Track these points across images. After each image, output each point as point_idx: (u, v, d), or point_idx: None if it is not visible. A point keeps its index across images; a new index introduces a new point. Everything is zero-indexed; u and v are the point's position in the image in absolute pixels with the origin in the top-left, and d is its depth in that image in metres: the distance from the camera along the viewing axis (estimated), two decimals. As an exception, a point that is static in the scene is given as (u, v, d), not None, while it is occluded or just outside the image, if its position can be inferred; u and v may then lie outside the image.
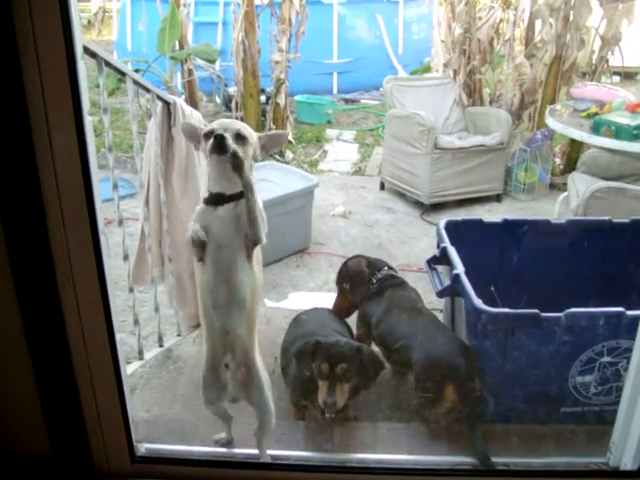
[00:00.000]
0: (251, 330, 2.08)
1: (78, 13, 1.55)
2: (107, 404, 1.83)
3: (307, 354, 2.49)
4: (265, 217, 1.96)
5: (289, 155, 7.06)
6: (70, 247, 1.61)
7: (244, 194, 1.90)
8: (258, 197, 1.94)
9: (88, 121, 1.58)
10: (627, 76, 8.02)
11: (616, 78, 7.09)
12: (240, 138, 1.88)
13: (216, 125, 1.90)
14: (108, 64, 2.68)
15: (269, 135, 2.05)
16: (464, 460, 2.36)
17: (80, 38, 1.52)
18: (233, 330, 2.04)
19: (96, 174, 1.63)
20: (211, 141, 1.84)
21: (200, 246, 1.94)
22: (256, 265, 2.03)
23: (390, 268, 3.24)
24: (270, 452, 2.27)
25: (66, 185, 1.56)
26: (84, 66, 1.58)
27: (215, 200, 1.94)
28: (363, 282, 3.14)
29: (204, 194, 1.99)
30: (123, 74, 2.94)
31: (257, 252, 2.03)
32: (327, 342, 2.50)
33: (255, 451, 2.25)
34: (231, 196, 1.93)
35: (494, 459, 2.33)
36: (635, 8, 5.94)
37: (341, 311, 3.19)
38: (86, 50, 2.31)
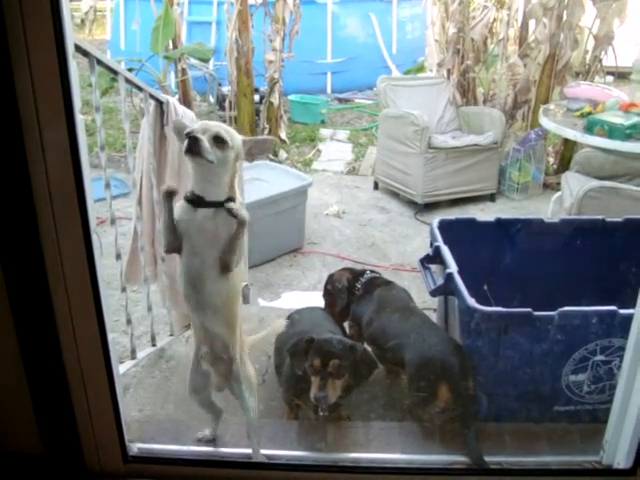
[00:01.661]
0: (231, 329, 2.10)
1: (70, 11, 1.54)
2: (99, 404, 1.83)
3: (301, 351, 2.49)
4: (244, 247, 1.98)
5: (283, 154, 7.07)
6: (61, 247, 1.61)
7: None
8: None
9: (80, 120, 1.58)
10: (620, 76, 8.01)
11: (609, 78, 7.11)
12: (219, 141, 1.85)
13: (197, 126, 1.87)
14: (100, 62, 2.66)
15: (256, 140, 2.02)
16: (457, 459, 2.36)
17: (71, 36, 1.52)
18: (209, 328, 2.07)
19: (88, 173, 1.62)
20: (185, 142, 1.82)
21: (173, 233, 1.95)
22: (236, 273, 2.02)
23: (372, 272, 3.25)
24: (263, 451, 2.26)
25: (57, 184, 1.55)
26: (76, 65, 1.57)
27: (194, 201, 1.92)
28: (347, 294, 3.17)
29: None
30: (115, 72, 2.93)
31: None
32: (320, 339, 2.50)
33: (248, 450, 2.25)
34: (211, 202, 1.91)
35: (487, 458, 2.33)
36: (627, 7, 5.95)
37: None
38: (78, 48, 2.30)
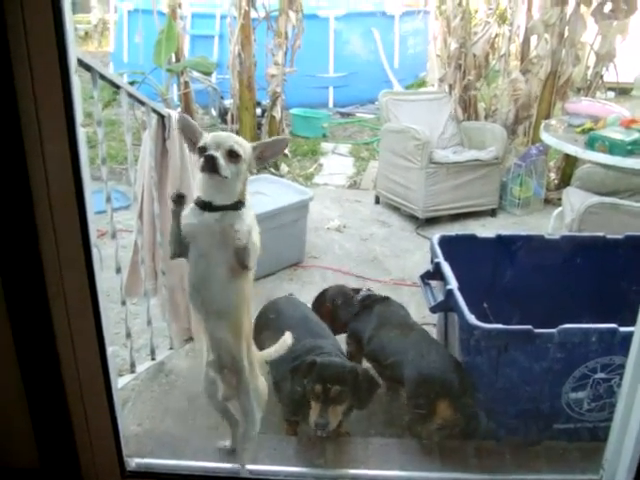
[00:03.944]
0: (236, 337, 2.08)
1: (73, 25, 1.55)
2: (97, 417, 1.82)
3: (302, 373, 2.46)
4: (258, 246, 1.96)
5: (284, 168, 7.07)
6: (61, 259, 1.61)
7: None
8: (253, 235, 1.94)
9: (81, 133, 1.58)
10: (622, 92, 8.04)
11: (611, 94, 7.12)
12: (233, 155, 1.86)
13: (210, 140, 1.88)
14: (102, 77, 2.67)
15: (266, 143, 2.02)
16: (457, 476, 2.35)
17: (74, 51, 1.52)
18: (215, 334, 2.05)
19: (89, 186, 1.62)
20: (202, 160, 1.84)
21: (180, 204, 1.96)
22: (243, 278, 2.02)
23: (368, 290, 3.29)
24: (261, 467, 2.26)
25: (58, 196, 1.55)
26: (78, 79, 1.58)
27: (203, 205, 1.93)
28: (344, 307, 3.19)
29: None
30: (117, 87, 2.94)
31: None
32: (323, 362, 2.47)
33: (249, 466, 2.23)
34: (220, 206, 1.92)
35: (486, 476, 2.32)
36: (629, 24, 5.96)
37: None
38: (81, 63, 2.31)
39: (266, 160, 2.02)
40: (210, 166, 1.83)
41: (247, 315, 2.11)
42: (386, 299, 3.19)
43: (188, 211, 1.96)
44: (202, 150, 1.85)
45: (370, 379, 2.56)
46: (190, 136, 1.95)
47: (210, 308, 2.00)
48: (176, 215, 1.96)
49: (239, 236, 1.87)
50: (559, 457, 2.52)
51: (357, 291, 3.27)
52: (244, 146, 1.91)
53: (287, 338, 2.54)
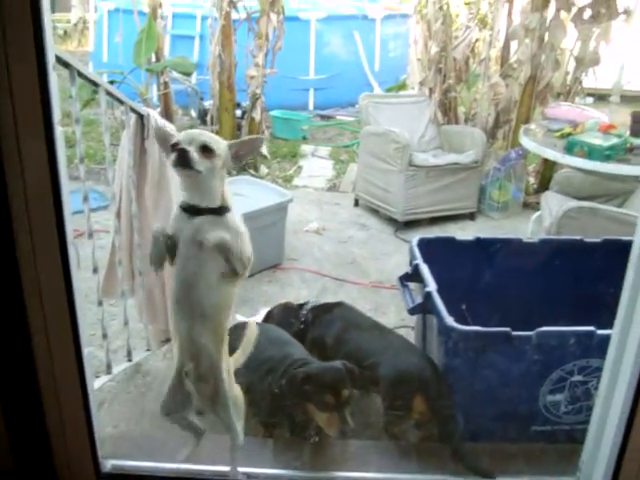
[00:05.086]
0: (218, 344, 2.04)
1: (51, 23, 1.53)
2: (73, 418, 1.80)
3: (297, 388, 2.41)
4: (249, 251, 1.96)
5: (264, 170, 7.07)
6: (38, 258, 1.59)
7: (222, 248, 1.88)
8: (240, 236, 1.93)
9: (59, 131, 1.56)
10: (600, 97, 8.11)
11: (590, 99, 7.17)
12: (206, 150, 1.83)
13: (182, 136, 1.85)
14: (81, 75, 2.65)
15: (242, 141, 2.01)
16: (435, 478, 2.35)
17: (52, 48, 1.51)
18: (197, 339, 2.00)
19: (66, 184, 1.61)
20: (174, 155, 1.81)
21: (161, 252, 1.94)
22: (232, 283, 2.00)
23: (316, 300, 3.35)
24: (241, 469, 2.23)
25: (35, 195, 1.54)
26: (56, 77, 1.56)
27: (190, 210, 1.91)
28: (292, 322, 3.18)
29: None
30: (96, 85, 2.92)
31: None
32: (319, 371, 2.44)
33: (224, 468, 2.22)
34: (206, 209, 1.89)
35: (463, 478, 2.32)
36: (611, 29, 6.00)
37: None
38: (59, 60, 2.29)
39: (242, 159, 1.99)
40: (182, 160, 1.79)
41: (227, 321, 2.08)
42: (341, 304, 3.20)
43: (174, 215, 1.94)
44: (174, 146, 1.83)
45: (360, 374, 2.53)
46: (166, 145, 1.91)
47: (196, 311, 1.96)
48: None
49: (228, 246, 1.86)
50: (536, 459, 2.53)
51: (302, 305, 3.27)
52: (218, 142, 1.89)
53: (251, 330, 2.43)
